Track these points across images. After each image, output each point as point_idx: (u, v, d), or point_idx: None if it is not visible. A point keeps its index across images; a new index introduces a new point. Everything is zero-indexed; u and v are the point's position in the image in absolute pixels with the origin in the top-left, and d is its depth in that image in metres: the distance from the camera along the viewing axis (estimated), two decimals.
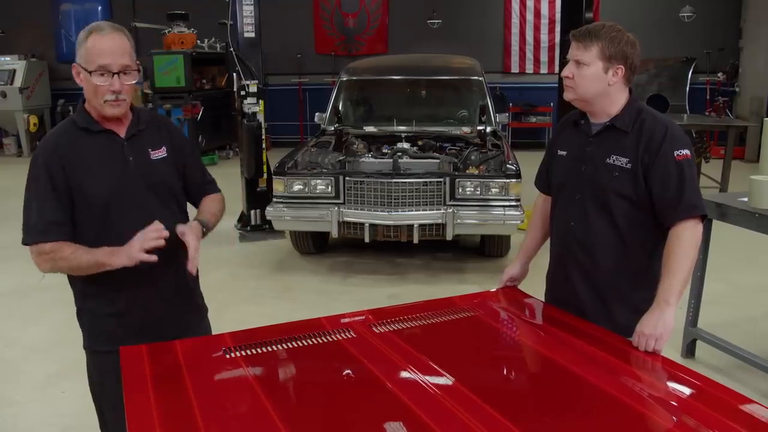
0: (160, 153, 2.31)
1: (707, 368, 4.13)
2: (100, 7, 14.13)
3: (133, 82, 2.18)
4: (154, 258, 2.11)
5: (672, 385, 2.00)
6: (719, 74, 12.33)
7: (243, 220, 7.43)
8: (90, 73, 2.10)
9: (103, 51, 2.10)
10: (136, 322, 2.29)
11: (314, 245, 6.45)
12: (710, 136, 11.45)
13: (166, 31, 11.97)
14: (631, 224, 2.29)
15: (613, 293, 2.35)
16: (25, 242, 2.18)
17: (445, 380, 1.90)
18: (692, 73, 12.44)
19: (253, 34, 7.17)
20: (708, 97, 12.63)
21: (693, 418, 1.72)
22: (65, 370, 4.08)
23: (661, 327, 2.11)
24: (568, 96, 2.33)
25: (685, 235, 2.17)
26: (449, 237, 5.60)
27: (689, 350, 4.27)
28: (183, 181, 2.41)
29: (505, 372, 2.16)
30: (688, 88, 12.42)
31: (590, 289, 2.38)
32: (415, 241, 5.63)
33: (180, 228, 2.24)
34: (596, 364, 2.01)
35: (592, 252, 2.36)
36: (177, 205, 2.40)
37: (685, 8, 12.35)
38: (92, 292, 2.26)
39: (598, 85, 2.25)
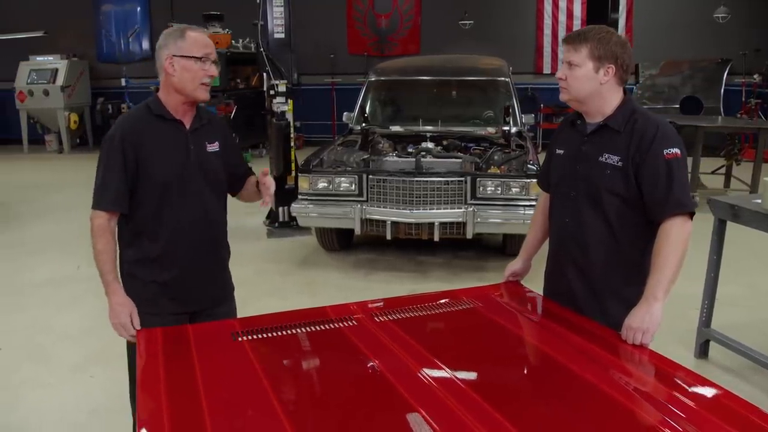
0: (214, 147, 2.62)
1: (720, 369, 4.16)
2: (139, 8, 14.48)
3: (217, 74, 2.54)
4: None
5: (656, 377, 2.08)
6: (755, 76, 12.14)
7: (271, 217, 7.61)
8: (198, 59, 2.43)
9: (204, 43, 2.48)
10: (176, 292, 2.57)
11: (339, 242, 6.59)
12: (745, 138, 11.31)
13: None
14: (623, 221, 2.37)
15: (606, 288, 2.43)
16: (93, 206, 2.49)
17: (437, 368, 1.99)
18: (727, 74, 12.28)
19: (282, 35, 7.33)
20: (744, 99, 12.45)
21: (673, 408, 1.79)
22: (94, 356, 4.28)
23: (648, 321, 2.18)
24: (563, 97, 2.42)
25: (673, 232, 2.24)
26: (469, 235, 5.69)
27: (702, 350, 4.28)
28: (227, 174, 2.70)
29: (496, 362, 2.23)
30: (723, 90, 12.27)
31: (584, 284, 2.46)
32: (436, 239, 5.73)
33: (259, 178, 2.62)
34: (586, 356, 2.08)
35: (585, 248, 2.44)
36: (222, 194, 2.71)
37: (719, 9, 12.20)
38: (141, 260, 2.55)
39: (590, 84, 2.33)
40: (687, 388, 1.93)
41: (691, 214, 2.28)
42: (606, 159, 2.35)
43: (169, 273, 2.55)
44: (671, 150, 2.27)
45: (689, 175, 8.30)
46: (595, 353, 2.11)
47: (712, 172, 9.38)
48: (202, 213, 2.58)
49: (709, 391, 1.88)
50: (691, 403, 1.81)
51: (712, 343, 4.29)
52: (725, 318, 4.62)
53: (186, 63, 2.43)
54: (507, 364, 2.18)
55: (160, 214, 2.51)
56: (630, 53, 2.35)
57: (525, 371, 2.20)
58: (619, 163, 2.32)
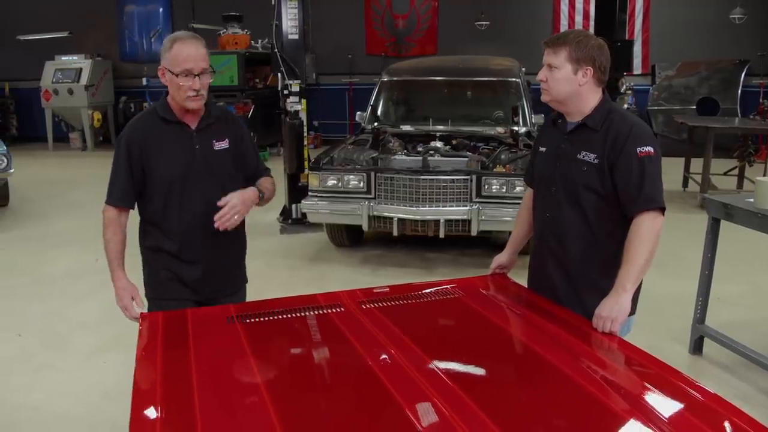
0: (222, 144, 2.75)
1: (712, 365, 4.24)
2: (161, 9, 14.74)
3: (210, 81, 2.63)
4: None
5: (623, 363, 2.21)
6: None
7: (284, 214, 7.78)
8: (176, 75, 2.53)
9: (186, 57, 2.54)
10: (189, 282, 2.75)
11: (348, 238, 6.75)
12: (763, 139, 11.28)
13: (222, 31, 12.45)
14: (599, 216, 2.48)
15: (584, 281, 2.54)
16: (106, 200, 2.72)
17: (415, 353, 2.09)
18: (745, 75, 12.24)
19: (296, 36, 7.47)
20: (761, 100, 12.40)
21: (635, 389, 1.91)
22: (108, 344, 4.48)
23: (616, 310, 2.30)
24: (544, 98, 2.54)
25: (644, 226, 2.35)
26: (474, 232, 5.81)
27: (696, 347, 4.36)
28: (241, 168, 2.83)
29: (474, 349, 2.33)
30: (740, 91, 12.22)
31: (563, 276, 2.58)
32: (441, 235, 5.86)
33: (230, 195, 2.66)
34: (560, 345, 2.19)
35: (564, 242, 2.55)
36: (233, 189, 2.73)
37: (735, 10, 12.14)
38: (153, 248, 2.76)
39: (569, 86, 2.44)
40: (651, 374, 2.04)
41: (662, 210, 2.39)
42: (583, 156, 2.47)
43: (181, 268, 2.74)
44: (644, 148, 2.37)
45: (701, 176, 8.35)
46: (569, 342, 2.22)
47: (725, 173, 9.39)
48: (209, 209, 2.64)
49: (674, 378, 1.98)
50: (655, 390, 1.91)
51: (706, 340, 4.37)
52: (725, 316, 4.71)
53: (170, 76, 2.57)
54: (483, 351, 2.29)
55: (166, 211, 2.69)
56: (607, 55, 2.47)
57: (499, 358, 2.30)
58: (596, 161, 2.44)
